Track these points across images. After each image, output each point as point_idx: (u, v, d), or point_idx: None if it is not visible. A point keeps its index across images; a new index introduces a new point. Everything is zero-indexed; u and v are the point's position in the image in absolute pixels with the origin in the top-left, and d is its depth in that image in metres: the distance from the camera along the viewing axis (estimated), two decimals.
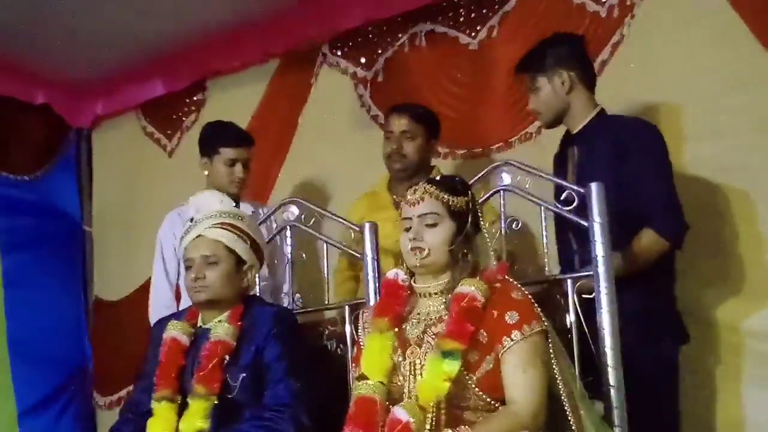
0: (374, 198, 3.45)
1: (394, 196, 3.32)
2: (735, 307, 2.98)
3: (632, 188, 2.65)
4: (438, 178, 2.23)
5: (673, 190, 2.68)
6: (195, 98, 4.58)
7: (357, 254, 2.88)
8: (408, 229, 2.17)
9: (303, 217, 3.04)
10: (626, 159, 2.69)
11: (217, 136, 3.51)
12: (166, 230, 3.48)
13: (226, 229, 2.59)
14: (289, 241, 3.04)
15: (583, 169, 2.72)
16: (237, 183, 3.45)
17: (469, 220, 2.17)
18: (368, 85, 4.00)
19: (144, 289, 4.37)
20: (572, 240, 2.69)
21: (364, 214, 3.14)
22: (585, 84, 2.89)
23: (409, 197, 2.19)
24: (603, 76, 3.33)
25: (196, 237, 2.60)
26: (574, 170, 2.80)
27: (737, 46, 3.05)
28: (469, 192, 2.21)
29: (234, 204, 2.90)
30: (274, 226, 3.21)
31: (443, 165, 3.60)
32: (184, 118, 4.61)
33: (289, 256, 3.02)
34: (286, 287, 3.11)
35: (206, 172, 3.51)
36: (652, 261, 2.61)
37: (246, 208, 3.35)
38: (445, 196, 2.15)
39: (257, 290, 2.91)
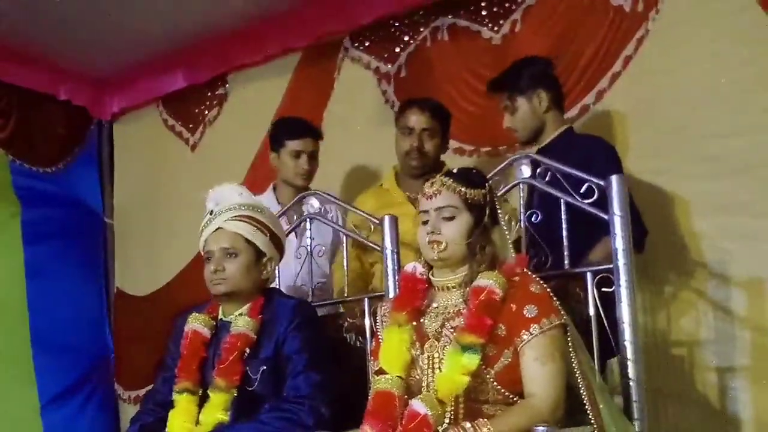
0: (384, 194, 3.41)
1: (407, 193, 3.30)
2: None
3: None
4: (455, 170, 2.23)
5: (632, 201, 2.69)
6: (217, 92, 4.60)
7: (377, 247, 2.89)
8: (425, 222, 2.17)
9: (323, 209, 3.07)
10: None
11: (282, 130, 3.56)
12: None
13: (246, 222, 2.61)
14: (309, 233, 3.06)
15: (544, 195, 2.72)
16: (302, 174, 3.47)
17: (487, 212, 2.16)
18: (391, 80, 4.00)
19: (171, 285, 4.45)
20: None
21: (376, 209, 3.10)
22: (557, 104, 3.06)
23: (426, 190, 2.19)
24: (627, 71, 3.37)
25: (216, 229, 2.62)
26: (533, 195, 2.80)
27: (763, 43, 3.03)
28: (487, 184, 2.21)
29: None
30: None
31: (467, 162, 3.62)
32: (206, 112, 4.63)
33: (309, 248, 3.04)
34: (305, 278, 3.11)
35: (275, 166, 3.55)
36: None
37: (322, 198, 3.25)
38: (463, 189, 2.15)
39: (277, 282, 2.91)
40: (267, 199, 3.42)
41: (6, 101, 4.37)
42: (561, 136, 3.02)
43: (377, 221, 2.85)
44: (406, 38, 3.97)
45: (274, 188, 3.58)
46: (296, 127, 3.54)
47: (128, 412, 4.46)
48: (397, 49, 4.00)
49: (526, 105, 3.03)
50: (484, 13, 3.75)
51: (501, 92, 3.09)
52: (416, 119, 3.26)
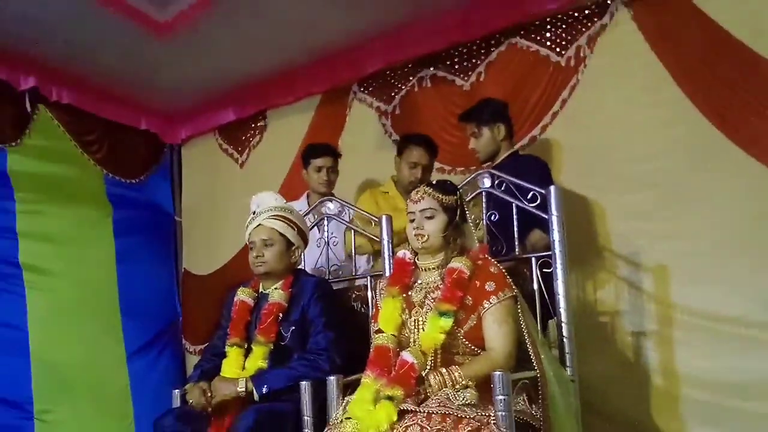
0: (386, 198, 3.39)
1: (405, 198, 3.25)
2: None
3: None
4: (435, 181, 2.23)
5: None
6: (258, 124, 4.58)
7: (376, 238, 2.90)
8: (412, 221, 2.19)
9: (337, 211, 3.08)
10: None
11: (309, 151, 3.54)
12: None
13: (279, 219, 2.63)
14: (326, 228, 3.06)
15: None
16: (323, 184, 3.45)
17: (458, 213, 2.19)
18: (389, 117, 3.97)
19: (226, 267, 4.46)
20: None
21: (381, 208, 3.18)
22: (510, 135, 3.08)
23: (413, 196, 2.21)
24: (564, 110, 3.36)
25: (257, 225, 2.64)
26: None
27: (663, 90, 3.03)
28: (458, 192, 2.23)
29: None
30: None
31: (445, 178, 3.61)
32: (251, 139, 4.61)
33: (326, 239, 3.04)
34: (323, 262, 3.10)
35: (306, 179, 3.53)
36: (539, 249, 2.62)
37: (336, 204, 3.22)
38: (440, 195, 2.16)
39: (303, 265, 2.92)
40: (300, 203, 3.43)
41: (101, 131, 4.37)
42: (509, 156, 3.03)
43: (377, 219, 2.86)
44: (399, 84, 3.95)
45: (308, 195, 3.56)
46: (318, 148, 3.53)
47: (192, 360, 4.48)
48: (393, 93, 3.98)
49: (488, 133, 3.04)
50: (456, 66, 3.73)
51: (469, 122, 3.10)
52: (419, 155, 3.29)
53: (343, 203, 3.13)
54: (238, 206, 3.06)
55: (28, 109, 4.00)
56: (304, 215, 2.96)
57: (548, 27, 3.42)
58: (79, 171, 4.26)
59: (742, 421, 2.69)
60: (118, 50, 3.77)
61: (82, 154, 4.27)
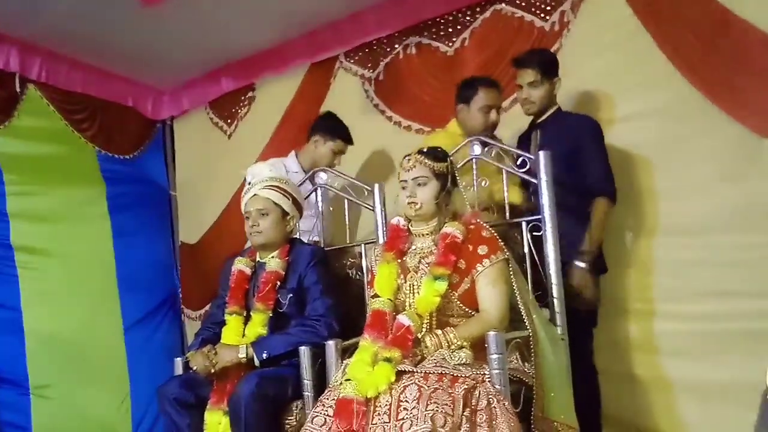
0: (457, 138, 2.83)
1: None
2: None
3: (582, 167, 2.68)
4: (426, 149, 2.21)
5: (610, 168, 2.74)
6: (248, 96, 4.52)
7: (368, 207, 2.89)
8: (405, 188, 2.19)
9: (329, 180, 3.06)
10: (578, 146, 2.70)
11: (341, 131, 3.40)
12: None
13: (274, 190, 2.62)
14: (320, 198, 3.04)
15: (543, 148, 2.59)
16: (329, 165, 3.32)
17: (449, 179, 2.19)
18: (372, 83, 3.93)
19: (212, 230, 4.46)
20: None
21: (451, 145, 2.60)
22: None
23: (404, 164, 2.20)
24: None
25: (253, 196, 2.62)
26: (536, 147, 2.74)
27: (645, 54, 3.00)
28: (449, 159, 2.22)
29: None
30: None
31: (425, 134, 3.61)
32: (239, 111, 4.55)
33: (320, 209, 3.03)
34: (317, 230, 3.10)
35: (315, 148, 3.39)
36: (604, 220, 2.66)
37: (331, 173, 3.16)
38: (431, 163, 2.16)
39: (299, 234, 2.92)
40: (290, 161, 3.38)
41: (92, 108, 4.30)
42: (556, 113, 2.87)
43: (369, 188, 2.85)
44: (385, 53, 3.90)
45: (296, 155, 3.44)
46: (348, 135, 3.41)
47: (192, 329, 4.49)
48: (378, 61, 3.93)
49: (548, 86, 2.82)
50: (442, 33, 3.68)
51: (531, 68, 2.81)
52: (493, 97, 2.90)
53: (337, 173, 3.11)
54: (227, 177, 3.00)
55: (17, 89, 3.92)
56: (299, 185, 2.94)
57: None
58: (71, 149, 4.19)
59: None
60: (105, 25, 3.68)
61: (73, 132, 4.19)
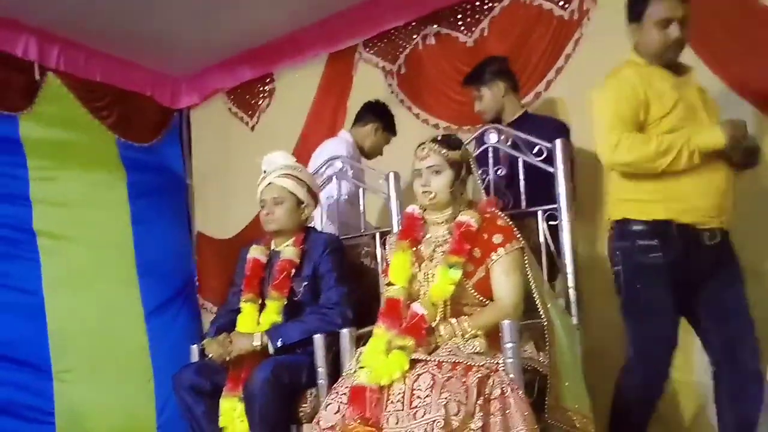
0: (649, 73, 2.27)
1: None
2: None
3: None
4: (439, 137, 2.20)
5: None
6: (266, 87, 4.54)
7: (383, 195, 2.88)
8: (419, 177, 2.18)
9: (345, 170, 3.05)
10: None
11: (393, 123, 3.48)
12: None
13: (289, 178, 2.62)
14: (335, 186, 3.04)
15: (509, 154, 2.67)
16: (376, 154, 3.44)
17: (464, 168, 2.18)
18: (395, 76, 3.91)
19: (244, 231, 4.39)
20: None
21: (643, 89, 2.21)
22: (514, 90, 3.03)
23: (418, 153, 2.18)
24: (568, 65, 3.30)
25: (268, 184, 2.63)
26: (503, 155, 2.72)
27: None
28: (463, 146, 2.21)
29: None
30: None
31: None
32: (260, 102, 4.56)
33: (335, 196, 3.02)
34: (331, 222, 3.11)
35: (370, 134, 3.41)
36: None
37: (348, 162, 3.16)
38: (445, 151, 2.15)
39: (314, 222, 2.92)
40: (339, 141, 3.38)
41: (111, 97, 4.34)
42: (521, 117, 2.98)
43: (384, 177, 2.84)
44: (404, 43, 3.88)
45: (350, 133, 3.45)
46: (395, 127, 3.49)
47: (209, 319, 4.49)
48: (398, 52, 3.91)
49: (488, 93, 3.00)
50: (460, 22, 3.66)
51: (469, 86, 3.07)
52: (672, 6, 2.25)
53: (353, 163, 3.11)
54: (251, 169, 3.01)
55: (37, 77, 3.97)
56: (314, 173, 2.93)
57: None
58: (91, 136, 4.24)
59: None
60: (122, 13, 3.71)
61: (93, 119, 4.24)
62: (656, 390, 2.28)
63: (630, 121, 2.19)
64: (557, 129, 2.85)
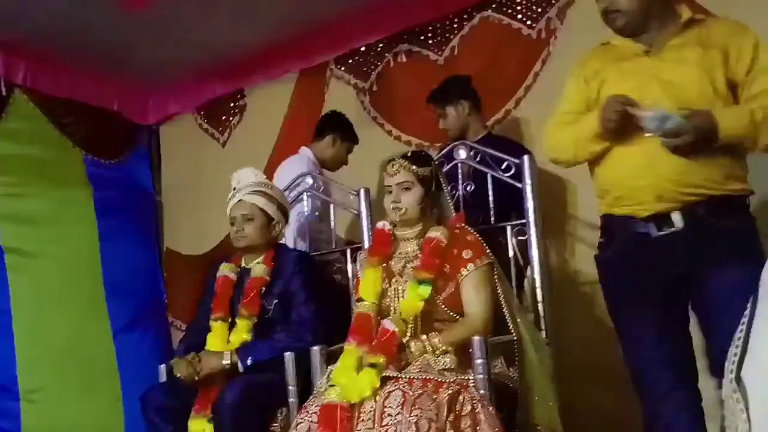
0: (611, 49, 2.08)
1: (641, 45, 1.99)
2: None
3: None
4: (409, 154, 2.21)
5: None
6: (237, 103, 4.51)
7: (354, 211, 2.87)
8: (390, 193, 2.18)
9: (316, 186, 3.04)
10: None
11: (354, 135, 3.47)
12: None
13: (259, 195, 2.61)
14: (305, 203, 3.03)
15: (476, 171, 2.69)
16: (340, 166, 3.44)
17: (434, 184, 2.18)
18: (366, 93, 3.91)
19: (218, 248, 4.27)
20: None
21: (600, 66, 2.05)
22: (477, 110, 3.07)
23: (388, 170, 2.19)
24: (537, 83, 3.33)
25: (238, 201, 2.61)
26: (470, 171, 2.74)
27: None
28: (433, 163, 2.22)
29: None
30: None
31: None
32: (231, 119, 4.52)
33: (306, 213, 3.01)
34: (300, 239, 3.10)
35: (330, 147, 3.40)
36: None
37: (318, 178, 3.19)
38: (415, 167, 2.15)
39: (284, 239, 2.90)
40: (309, 153, 3.36)
41: (78, 112, 4.26)
42: (484, 138, 3.00)
43: (355, 192, 2.84)
44: (375, 60, 3.89)
45: (311, 150, 3.42)
46: (357, 138, 3.47)
47: (179, 337, 4.41)
48: (369, 69, 3.92)
49: (453, 112, 3.04)
50: (430, 41, 3.68)
51: (434, 104, 3.10)
52: None
53: (324, 178, 3.10)
54: (223, 185, 2.98)
55: (4, 93, 3.90)
56: (285, 190, 2.93)
57: (518, 0, 3.39)
58: (58, 152, 4.16)
59: None
60: (90, 28, 3.65)
61: (60, 135, 4.17)
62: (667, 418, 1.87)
63: (572, 109, 2.07)
64: (519, 152, 2.82)
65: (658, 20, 1.93)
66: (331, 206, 3.00)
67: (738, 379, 1.12)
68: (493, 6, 3.46)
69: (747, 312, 1.18)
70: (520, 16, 3.39)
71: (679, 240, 1.83)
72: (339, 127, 3.43)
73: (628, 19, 1.91)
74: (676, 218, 1.84)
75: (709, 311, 1.82)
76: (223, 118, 4.56)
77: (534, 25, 3.35)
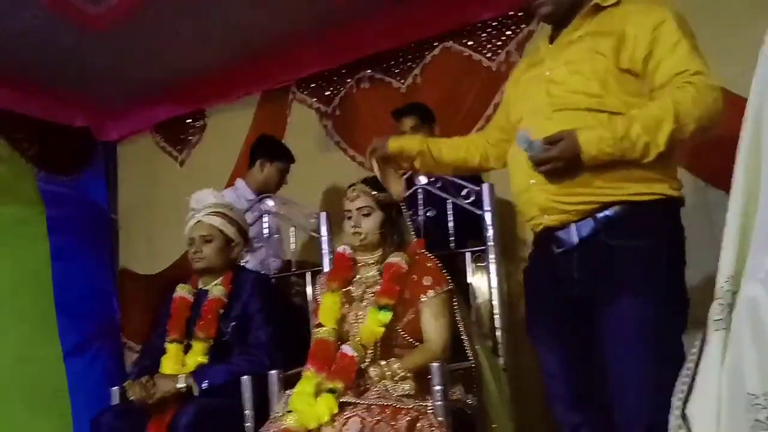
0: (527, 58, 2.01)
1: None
2: None
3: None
4: (370, 179, 2.20)
5: None
6: (197, 124, 4.46)
7: (315, 234, 2.86)
8: (349, 218, 2.18)
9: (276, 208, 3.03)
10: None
11: (279, 151, 3.39)
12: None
13: (219, 216, 2.59)
14: (266, 224, 3.00)
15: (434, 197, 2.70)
16: (276, 185, 3.33)
17: (394, 209, 2.19)
18: (330, 118, 3.90)
19: (172, 267, 4.20)
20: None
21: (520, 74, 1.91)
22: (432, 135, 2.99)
23: (349, 195, 2.20)
24: (497, 114, 3.37)
25: (196, 222, 2.58)
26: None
27: None
28: None
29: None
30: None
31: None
32: (190, 138, 4.47)
33: (266, 233, 2.99)
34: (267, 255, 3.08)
35: (260, 171, 3.35)
36: None
37: (278, 200, 3.22)
38: (375, 193, 2.16)
39: (244, 261, 2.87)
40: (242, 189, 3.30)
41: (32, 130, 4.18)
42: None
43: (316, 215, 2.83)
44: (338, 85, 3.90)
45: (246, 182, 3.37)
46: (289, 154, 3.40)
47: (132, 357, 4.32)
48: (332, 94, 3.92)
49: (429, 131, 2.99)
50: (393, 68, 3.72)
51: (411, 115, 3.04)
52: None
53: (284, 200, 3.08)
54: (180, 205, 2.93)
55: None
56: (245, 212, 2.90)
57: (479, 33, 3.45)
58: (9, 169, 4.06)
59: None
60: (46, 44, 3.57)
61: (13, 151, 4.07)
62: None
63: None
64: (471, 178, 2.91)
65: (581, 9, 1.69)
66: (291, 228, 2.97)
67: (683, 416, 1.15)
68: (455, 37, 3.51)
69: (695, 350, 1.21)
70: (480, 48, 3.45)
71: (574, 259, 1.61)
72: (264, 150, 3.38)
73: (554, 7, 1.69)
74: (572, 233, 1.61)
75: (602, 348, 1.57)
76: (182, 137, 4.51)
77: (494, 57, 3.41)
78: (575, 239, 1.59)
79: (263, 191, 3.26)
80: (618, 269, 1.54)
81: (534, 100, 1.70)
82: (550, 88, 1.66)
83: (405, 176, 2.67)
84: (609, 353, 1.54)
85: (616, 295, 1.53)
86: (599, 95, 1.58)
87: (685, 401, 1.16)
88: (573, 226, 1.60)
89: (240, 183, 3.41)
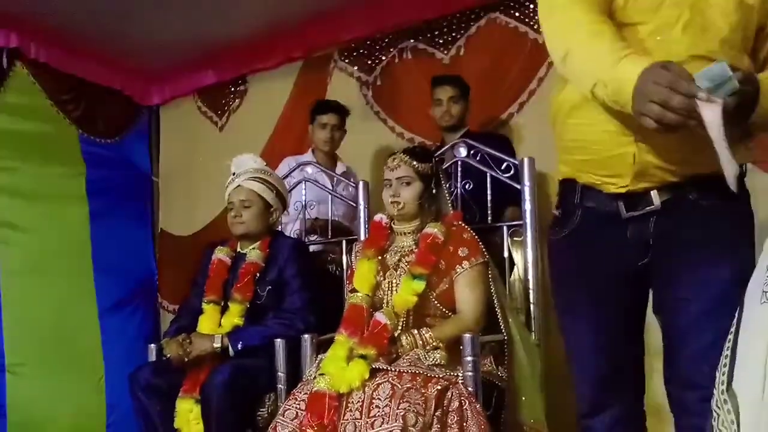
0: None
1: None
2: None
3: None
4: (411, 149, 2.23)
5: None
6: (238, 89, 4.51)
7: (353, 203, 2.89)
8: (389, 187, 2.20)
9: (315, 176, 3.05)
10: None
11: (315, 108, 3.38)
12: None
13: (258, 181, 2.62)
14: (304, 192, 3.03)
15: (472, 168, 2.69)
16: (327, 141, 3.29)
17: (433, 180, 2.20)
18: (370, 87, 3.91)
19: (206, 229, 4.38)
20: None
21: None
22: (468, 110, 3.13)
23: (389, 163, 2.21)
24: (540, 88, 3.32)
25: (236, 186, 2.63)
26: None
27: None
28: (433, 159, 2.24)
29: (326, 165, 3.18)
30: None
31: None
32: (230, 103, 4.53)
33: (303, 202, 3.02)
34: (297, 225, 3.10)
35: (311, 136, 3.38)
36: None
37: (341, 166, 3.32)
38: (415, 163, 2.17)
39: (281, 227, 2.90)
40: (307, 157, 3.32)
41: (78, 90, 4.26)
42: (467, 134, 3.01)
43: (354, 184, 2.85)
44: (380, 55, 3.90)
45: (313, 151, 3.39)
46: (324, 105, 3.39)
47: (168, 318, 4.41)
48: (374, 63, 3.92)
49: (464, 104, 3.10)
50: (437, 39, 3.69)
51: (452, 86, 3.10)
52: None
53: (321, 168, 3.11)
54: (218, 169, 2.98)
55: (5, 65, 3.88)
56: (284, 178, 2.93)
57: (527, 3, 3.40)
58: (54, 129, 4.15)
59: None
60: (96, 8, 3.65)
61: (57, 112, 4.16)
62: None
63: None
64: (501, 142, 2.98)
65: None
66: (329, 197, 3.00)
67: (729, 391, 1.12)
68: (501, 8, 3.47)
69: (734, 321, 1.18)
70: (527, 20, 3.40)
71: (650, 223, 1.44)
72: (309, 120, 3.42)
73: None
74: (653, 194, 1.42)
75: (678, 314, 1.42)
76: (223, 102, 4.56)
77: (541, 29, 3.34)
78: (657, 201, 1.41)
79: (323, 151, 3.30)
80: (713, 229, 1.39)
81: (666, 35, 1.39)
82: (692, 23, 1.37)
83: (444, 149, 2.68)
84: (682, 311, 1.40)
85: (706, 256, 1.38)
86: (739, 50, 1.38)
87: (730, 376, 1.13)
88: (655, 191, 1.42)
89: (309, 152, 3.44)
